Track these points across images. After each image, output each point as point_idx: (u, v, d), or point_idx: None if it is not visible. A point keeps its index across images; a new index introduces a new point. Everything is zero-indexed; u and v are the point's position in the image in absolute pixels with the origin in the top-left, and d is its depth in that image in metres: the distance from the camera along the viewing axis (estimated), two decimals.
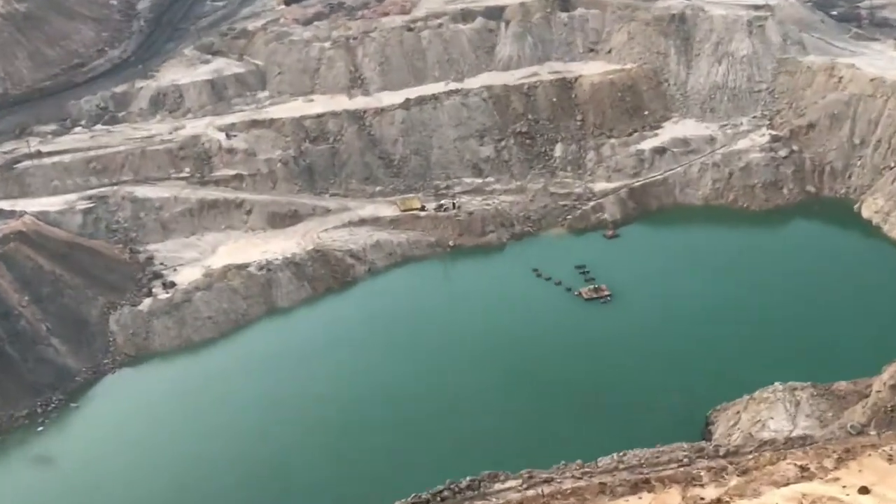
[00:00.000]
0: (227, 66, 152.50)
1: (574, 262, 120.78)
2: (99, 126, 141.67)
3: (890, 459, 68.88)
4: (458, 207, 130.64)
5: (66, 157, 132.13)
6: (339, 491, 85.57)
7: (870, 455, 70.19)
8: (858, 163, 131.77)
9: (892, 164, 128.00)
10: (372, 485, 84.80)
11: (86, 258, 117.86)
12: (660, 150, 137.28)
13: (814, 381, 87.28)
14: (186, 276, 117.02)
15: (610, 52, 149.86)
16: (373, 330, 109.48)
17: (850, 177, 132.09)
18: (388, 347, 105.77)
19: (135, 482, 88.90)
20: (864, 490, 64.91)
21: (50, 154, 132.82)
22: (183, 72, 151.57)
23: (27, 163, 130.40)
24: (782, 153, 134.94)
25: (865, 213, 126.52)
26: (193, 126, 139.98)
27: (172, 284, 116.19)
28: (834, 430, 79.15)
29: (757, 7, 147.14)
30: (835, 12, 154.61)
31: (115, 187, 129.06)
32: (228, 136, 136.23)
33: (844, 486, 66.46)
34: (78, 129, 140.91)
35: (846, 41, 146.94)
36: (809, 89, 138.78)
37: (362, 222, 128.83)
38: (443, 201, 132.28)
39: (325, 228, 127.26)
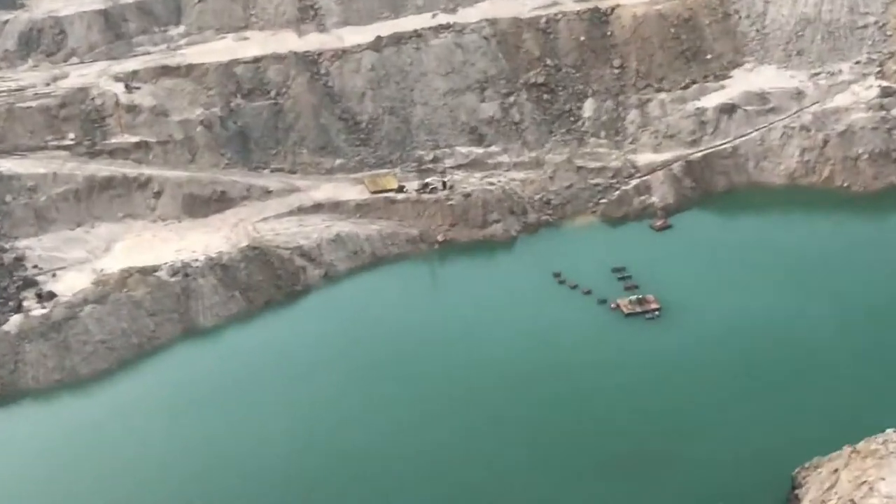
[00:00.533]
0: None
1: (610, 263, 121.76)
2: None
3: None
4: (451, 188, 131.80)
5: None
6: None
7: None
8: None
9: None
10: None
11: None
12: (728, 109, 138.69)
13: None
14: (71, 284, 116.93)
15: None
16: (330, 359, 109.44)
17: None
18: (350, 383, 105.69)
19: None
20: None
21: None
22: None
23: None
24: None
25: None
26: (80, 74, 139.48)
27: (51, 296, 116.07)
28: None
29: None
30: None
31: None
32: (129, 89, 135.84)
33: None
34: None
35: None
36: None
37: (317, 208, 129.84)
38: (429, 179, 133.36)
39: (264, 217, 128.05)
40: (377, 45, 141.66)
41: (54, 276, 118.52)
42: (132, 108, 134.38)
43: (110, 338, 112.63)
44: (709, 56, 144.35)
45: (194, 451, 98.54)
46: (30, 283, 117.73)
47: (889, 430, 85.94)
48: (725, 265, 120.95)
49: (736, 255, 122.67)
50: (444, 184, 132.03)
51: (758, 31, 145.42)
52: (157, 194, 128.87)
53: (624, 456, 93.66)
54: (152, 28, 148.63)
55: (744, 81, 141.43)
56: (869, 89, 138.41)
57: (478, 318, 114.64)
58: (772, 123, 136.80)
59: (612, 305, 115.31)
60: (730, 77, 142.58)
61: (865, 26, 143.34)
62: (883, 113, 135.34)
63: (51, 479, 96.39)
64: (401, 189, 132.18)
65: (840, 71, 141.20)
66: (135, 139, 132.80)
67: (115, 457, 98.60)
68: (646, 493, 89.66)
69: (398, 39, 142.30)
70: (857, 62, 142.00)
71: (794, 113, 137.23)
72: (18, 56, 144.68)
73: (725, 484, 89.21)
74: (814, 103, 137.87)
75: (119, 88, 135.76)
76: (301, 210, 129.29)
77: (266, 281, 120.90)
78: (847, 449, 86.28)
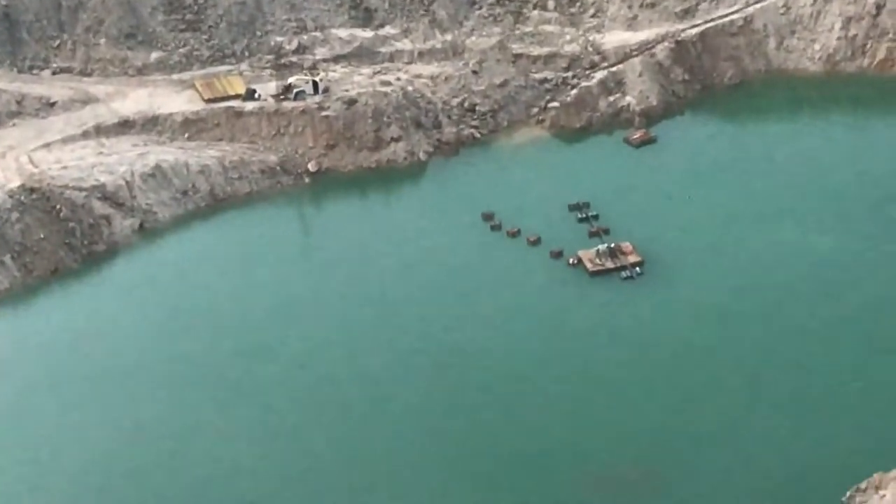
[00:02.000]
0: None
1: (566, 197, 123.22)
2: None
3: None
4: (326, 91, 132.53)
5: None
6: None
7: None
8: None
9: None
10: None
11: None
12: None
13: None
14: None
15: None
16: (148, 354, 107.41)
17: None
18: (181, 396, 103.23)
19: None
20: None
21: None
22: None
23: None
24: None
25: None
26: None
27: None
28: None
29: None
30: None
31: None
32: None
33: None
34: None
35: None
36: None
37: (124, 127, 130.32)
38: (292, 79, 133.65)
39: (44, 143, 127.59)
40: None
41: None
42: None
43: None
44: None
45: None
46: None
47: None
48: (734, 195, 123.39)
49: (749, 179, 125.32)
50: (315, 85, 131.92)
51: None
52: None
53: (613, 479, 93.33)
54: None
55: None
56: None
57: (373, 290, 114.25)
58: None
59: (572, 260, 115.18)
60: None
61: None
62: None
63: None
64: (251, 95, 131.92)
65: None
66: None
67: None
68: None
69: None
70: None
71: None
72: None
73: None
74: None
75: None
76: (100, 131, 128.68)
77: (51, 239, 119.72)
78: None
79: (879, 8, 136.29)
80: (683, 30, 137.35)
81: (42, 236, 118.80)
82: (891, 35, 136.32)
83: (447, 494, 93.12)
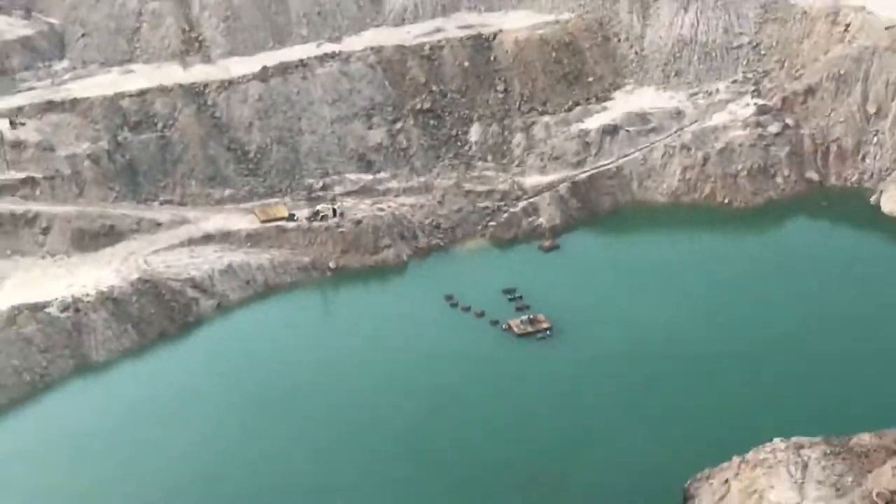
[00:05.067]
0: (8, 26, 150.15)
1: (501, 284, 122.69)
2: None
3: None
4: (341, 215, 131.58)
5: None
6: None
7: None
8: (874, 140, 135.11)
9: None
10: None
11: None
12: (610, 130, 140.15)
13: (826, 434, 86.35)
14: None
15: None
16: (224, 391, 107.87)
17: (863, 158, 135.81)
18: (245, 416, 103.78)
19: None
20: None
21: None
22: None
23: None
24: (773, 129, 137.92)
25: (886, 207, 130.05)
26: None
27: None
28: (855, 500, 78.59)
29: None
30: None
31: None
32: (13, 125, 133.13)
33: None
34: None
35: None
36: (807, 42, 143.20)
37: (207, 239, 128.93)
38: (319, 207, 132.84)
39: (154, 249, 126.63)
40: (263, 75, 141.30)
41: None
42: (18, 144, 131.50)
43: (1, 376, 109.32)
44: (590, 79, 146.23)
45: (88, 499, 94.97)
46: None
47: (776, 440, 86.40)
48: (613, 283, 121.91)
49: (623, 272, 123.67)
50: (334, 211, 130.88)
51: (637, 53, 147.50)
52: (46, 230, 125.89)
53: (515, 475, 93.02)
54: (36, 63, 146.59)
55: (625, 103, 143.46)
56: (746, 107, 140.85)
57: (372, 345, 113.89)
58: (653, 143, 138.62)
59: (504, 326, 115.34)
60: (611, 99, 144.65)
61: (740, 46, 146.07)
62: (760, 130, 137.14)
63: None
64: (291, 217, 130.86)
65: (717, 90, 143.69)
66: (21, 175, 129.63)
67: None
68: None
69: (284, 69, 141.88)
70: (734, 81, 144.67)
71: (675, 132, 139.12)
72: None
73: (618, 498, 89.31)
74: (693, 122, 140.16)
75: (3, 125, 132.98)
76: (192, 241, 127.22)
77: (158, 314, 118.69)
78: (737, 459, 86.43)
79: (706, 160, 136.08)
80: (577, 174, 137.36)
81: (152, 311, 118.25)
82: (713, 178, 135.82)
83: None
